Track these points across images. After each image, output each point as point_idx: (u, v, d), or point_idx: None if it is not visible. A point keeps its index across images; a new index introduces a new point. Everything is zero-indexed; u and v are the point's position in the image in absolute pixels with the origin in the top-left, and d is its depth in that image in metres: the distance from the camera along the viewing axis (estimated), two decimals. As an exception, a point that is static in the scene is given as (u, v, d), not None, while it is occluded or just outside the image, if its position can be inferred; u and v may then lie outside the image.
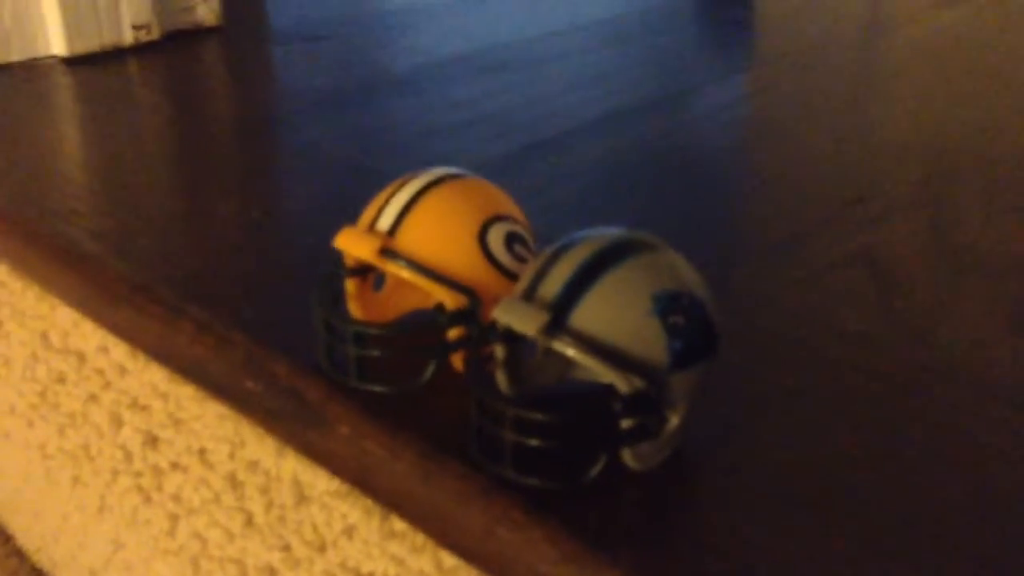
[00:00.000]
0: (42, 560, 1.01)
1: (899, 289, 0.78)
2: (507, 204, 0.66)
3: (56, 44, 1.27)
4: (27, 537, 1.02)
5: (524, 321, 0.54)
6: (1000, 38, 1.43)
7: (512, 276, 0.63)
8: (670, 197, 0.93)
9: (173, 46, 1.32)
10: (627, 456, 0.55)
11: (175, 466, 0.77)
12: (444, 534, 0.58)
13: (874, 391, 0.65)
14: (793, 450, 0.60)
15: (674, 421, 0.56)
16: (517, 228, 0.65)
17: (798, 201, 0.92)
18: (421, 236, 0.62)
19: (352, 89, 1.20)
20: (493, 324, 0.57)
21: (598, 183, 0.96)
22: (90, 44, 1.27)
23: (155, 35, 1.32)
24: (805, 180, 0.97)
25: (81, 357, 0.85)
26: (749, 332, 0.70)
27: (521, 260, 0.64)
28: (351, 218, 0.65)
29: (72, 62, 1.25)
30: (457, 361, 0.64)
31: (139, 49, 1.30)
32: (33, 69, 1.23)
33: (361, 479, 0.63)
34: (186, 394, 0.76)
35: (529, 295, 0.55)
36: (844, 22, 1.54)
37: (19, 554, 1.03)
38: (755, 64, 1.36)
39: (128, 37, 1.30)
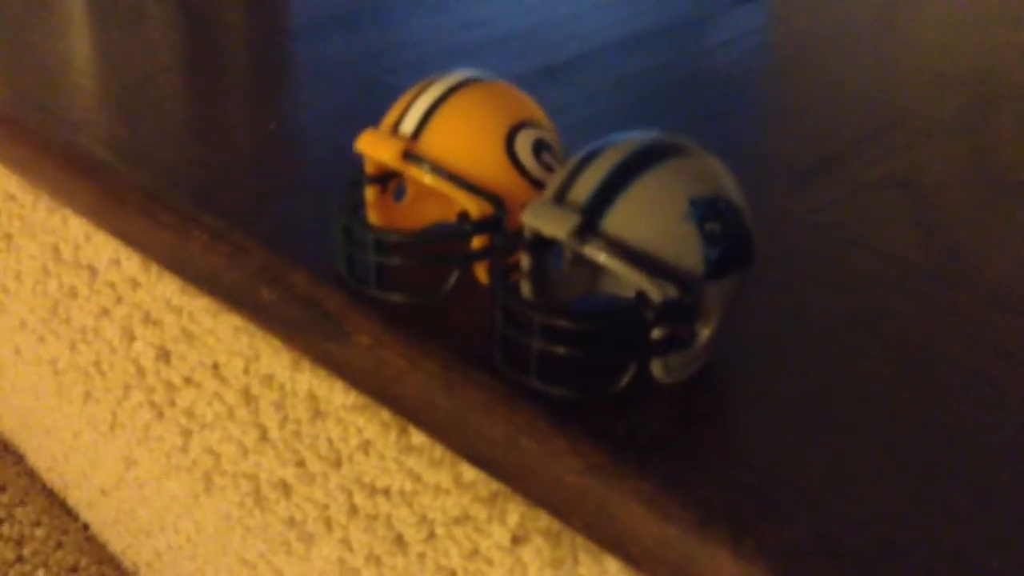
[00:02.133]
0: (53, 479, 1.00)
1: (936, 211, 0.76)
2: (535, 110, 0.63)
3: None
4: (38, 456, 1.01)
5: (554, 224, 0.52)
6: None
7: (539, 184, 0.60)
8: (697, 119, 0.90)
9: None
10: (656, 367, 0.53)
11: (188, 381, 0.76)
12: (466, 445, 0.56)
13: (909, 311, 0.63)
14: (825, 368, 0.58)
15: (706, 333, 0.54)
16: (545, 135, 0.62)
17: (831, 125, 0.89)
18: (446, 140, 0.59)
19: (370, 6, 1.16)
20: (519, 232, 0.55)
21: (621, 105, 0.94)
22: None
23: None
24: (837, 104, 0.94)
25: (93, 271, 0.83)
26: (783, 250, 0.67)
27: (549, 168, 0.61)
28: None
29: (82, -23, 1.22)
30: (480, 272, 0.62)
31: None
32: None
33: (380, 391, 0.61)
34: (200, 307, 0.75)
35: (559, 199, 0.53)
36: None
37: (30, 474, 1.02)
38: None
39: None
